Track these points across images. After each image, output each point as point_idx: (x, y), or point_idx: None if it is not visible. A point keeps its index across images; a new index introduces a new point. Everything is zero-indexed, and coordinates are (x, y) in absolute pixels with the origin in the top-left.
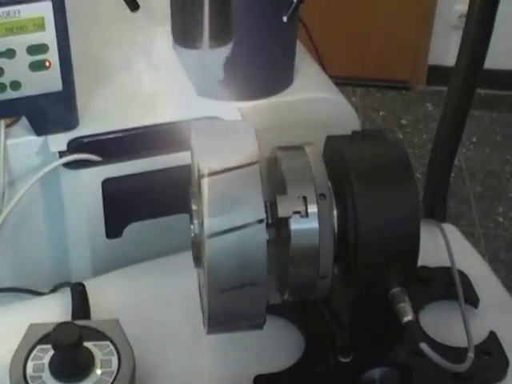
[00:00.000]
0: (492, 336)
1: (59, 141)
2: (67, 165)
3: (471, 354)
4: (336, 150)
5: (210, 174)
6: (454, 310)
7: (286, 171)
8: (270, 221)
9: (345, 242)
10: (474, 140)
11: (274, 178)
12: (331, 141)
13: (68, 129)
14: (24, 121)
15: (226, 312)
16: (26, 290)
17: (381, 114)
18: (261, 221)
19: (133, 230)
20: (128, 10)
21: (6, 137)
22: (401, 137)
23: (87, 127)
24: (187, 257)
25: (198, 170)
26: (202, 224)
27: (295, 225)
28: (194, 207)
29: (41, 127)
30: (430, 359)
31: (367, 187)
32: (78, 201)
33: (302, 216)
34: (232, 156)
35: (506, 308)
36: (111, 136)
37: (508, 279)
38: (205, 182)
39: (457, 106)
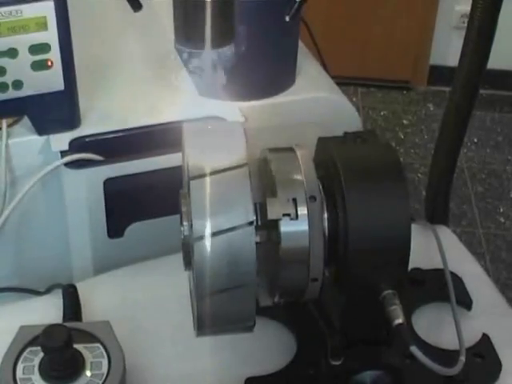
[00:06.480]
0: (485, 338)
1: (61, 140)
2: (69, 164)
3: (462, 358)
4: (327, 152)
5: (200, 176)
6: (447, 313)
7: (276, 173)
8: (259, 223)
9: (335, 245)
10: (476, 140)
11: (264, 179)
12: (322, 142)
13: (70, 128)
14: (26, 120)
15: (215, 314)
16: (25, 289)
17: (382, 114)
18: (250, 223)
19: (134, 229)
20: (131, 10)
21: (8, 136)
22: (402, 137)
23: (89, 127)
24: (179, 258)
25: (188, 172)
26: (191, 226)
27: (285, 227)
28: (183, 209)
29: (43, 127)
30: (422, 362)
31: (358, 189)
32: (80, 200)
33: (291, 218)
34: (222, 158)
35: (500, 310)
36: (113, 136)
37: (509, 279)
38: (194, 183)
39: (459, 106)
